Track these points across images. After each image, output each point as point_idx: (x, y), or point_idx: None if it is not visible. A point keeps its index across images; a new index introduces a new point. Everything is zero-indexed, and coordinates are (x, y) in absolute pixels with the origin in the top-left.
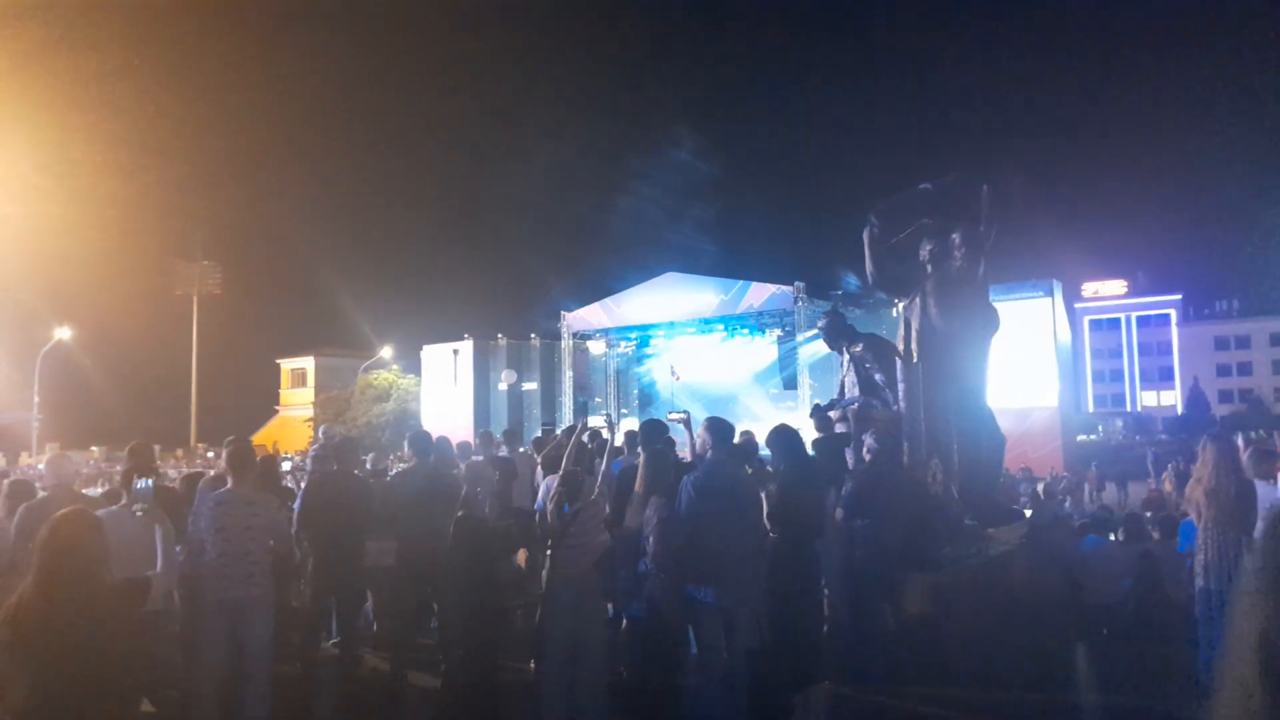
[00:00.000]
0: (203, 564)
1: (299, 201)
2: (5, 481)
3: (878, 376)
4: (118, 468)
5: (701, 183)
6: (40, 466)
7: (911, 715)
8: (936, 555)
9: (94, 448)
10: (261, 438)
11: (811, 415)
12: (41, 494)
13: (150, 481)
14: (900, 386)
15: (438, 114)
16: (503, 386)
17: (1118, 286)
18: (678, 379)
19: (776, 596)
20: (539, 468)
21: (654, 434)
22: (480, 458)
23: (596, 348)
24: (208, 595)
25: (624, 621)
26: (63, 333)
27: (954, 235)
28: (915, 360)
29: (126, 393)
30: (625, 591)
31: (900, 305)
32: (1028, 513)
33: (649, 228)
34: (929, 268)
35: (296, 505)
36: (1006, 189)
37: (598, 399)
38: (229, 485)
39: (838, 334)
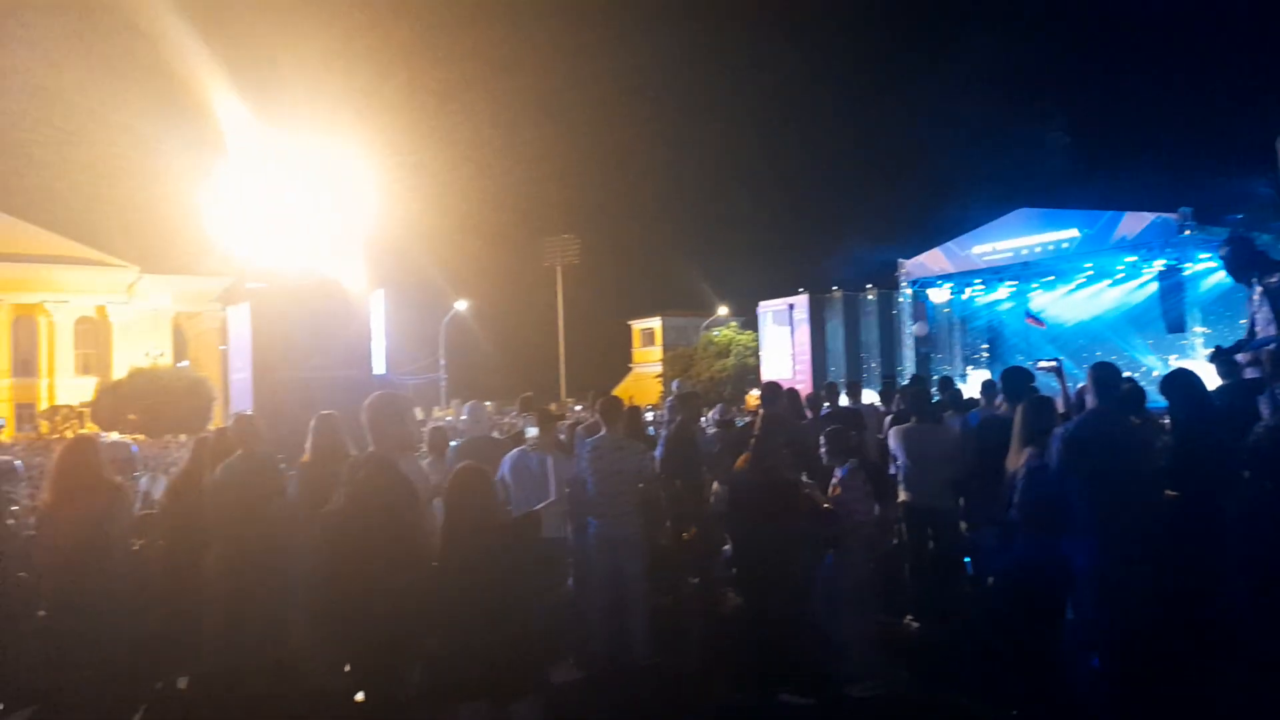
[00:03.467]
0: (584, 501)
1: (644, 177)
2: (425, 429)
3: None
4: (508, 419)
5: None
6: (448, 418)
7: None
8: None
9: (487, 402)
10: (618, 393)
11: (1212, 359)
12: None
13: (535, 432)
14: None
15: (767, 73)
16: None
17: None
18: (1040, 325)
19: (1173, 563)
20: (887, 419)
21: (1018, 383)
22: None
23: (938, 295)
24: (589, 530)
25: (989, 579)
26: (460, 305)
27: None
28: None
29: (508, 354)
30: (989, 549)
31: None
32: None
33: (994, 161)
34: None
35: (658, 452)
36: None
37: (939, 355)
38: (602, 433)
39: (1246, 263)
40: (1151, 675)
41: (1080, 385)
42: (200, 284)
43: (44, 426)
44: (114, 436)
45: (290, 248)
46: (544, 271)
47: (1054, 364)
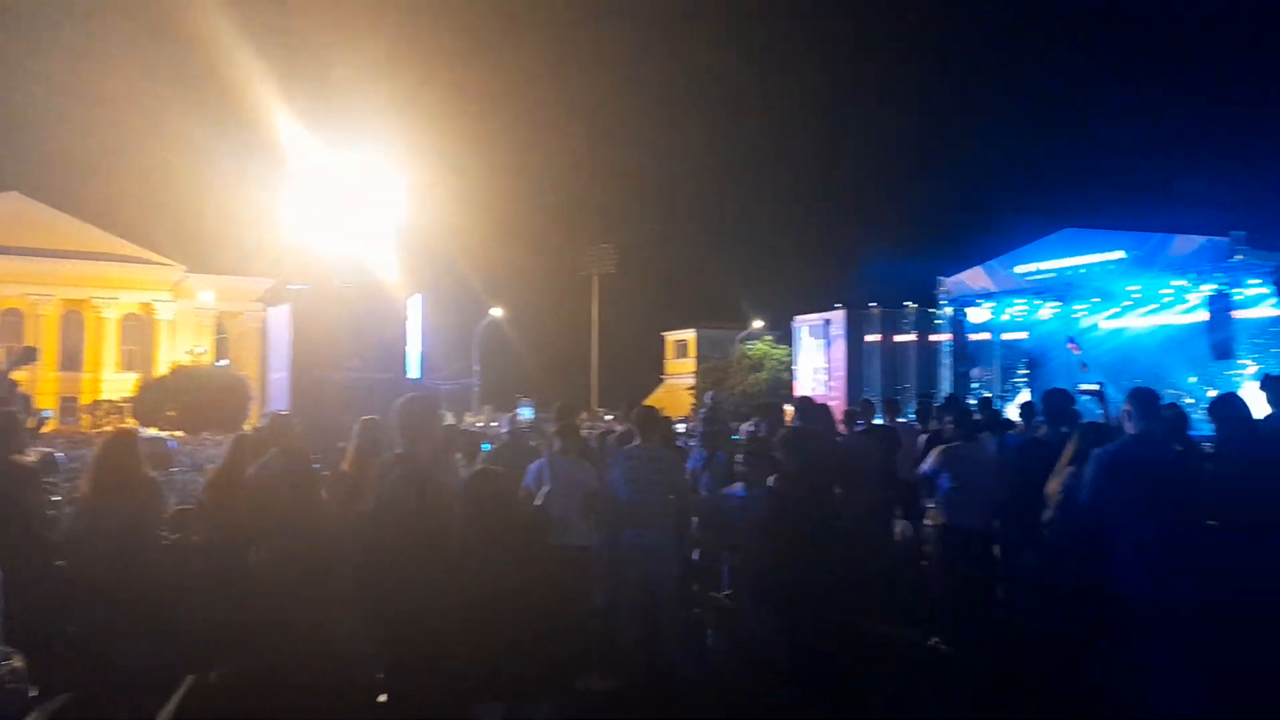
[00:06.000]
0: (618, 508)
1: (682, 187)
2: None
3: None
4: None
5: (1106, 120)
6: (479, 424)
7: None
8: None
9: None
10: (650, 403)
11: (1263, 386)
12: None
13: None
14: None
15: (809, 86)
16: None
17: None
18: (1077, 351)
19: (1217, 599)
20: (921, 436)
21: (1059, 406)
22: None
23: (978, 314)
24: (622, 538)
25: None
26: (495, 312)
27: None
28: None
29: (542, 362)
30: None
31: None
32: None
33: (1040, 180)
34: None
35: (690, 465)
36: None
37: (976, 371)
38: (636, 442)
39: None
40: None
41: (1123, 409)
42: (244, 284)
43: (86, 420)
44: (152, 432)
45: (332, 251)
46: (580, 280)
47: (1096, 387)
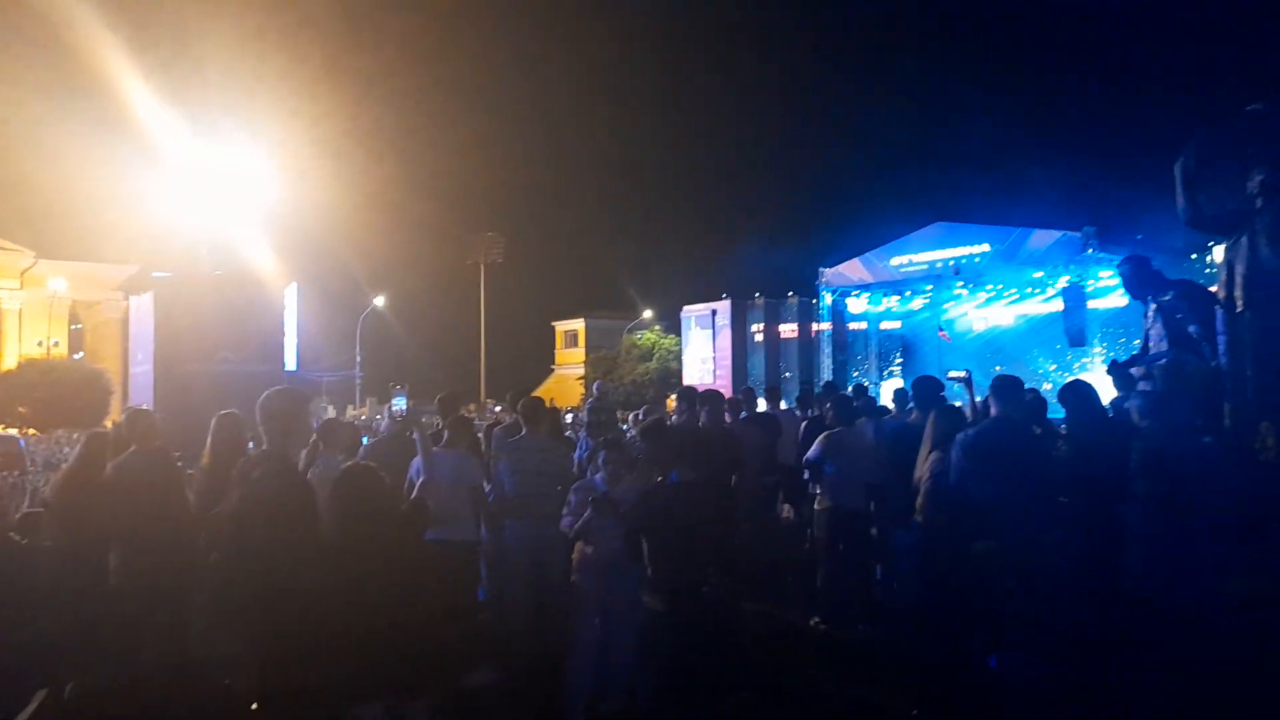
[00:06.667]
0: (504, 501)
1: (572, 177)
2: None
3: (1191, 328)
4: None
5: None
6: (363, 416)
7: (1230, 700)
8: (1269, 529)
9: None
10: (539, 394)
11: (1110, 372)
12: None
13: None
14: (1220, 339)
15: (687, 80)
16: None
17: None
18: (947, 339)
19: (1069, 568)
20: (803, 424)
21: (929, 392)
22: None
23: (856, 305)
24: (508, 531)
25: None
26: (379, 301)
27: None
28: (1241, 309)
29: (427, 353)
30: (899, 551)
31: (1220, 247)
32: None
33: (913, 176)
34: (1259, 202)
35: (577, 455)
36: None
37: (858, 357)
38: (524, 433)
39: (1142, 281)
40: (1055, 674)
41: (987, 395)
42: (102, 271)
43: None
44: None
45: (199, 237)
46: (467, 269)
47: (964, 374)
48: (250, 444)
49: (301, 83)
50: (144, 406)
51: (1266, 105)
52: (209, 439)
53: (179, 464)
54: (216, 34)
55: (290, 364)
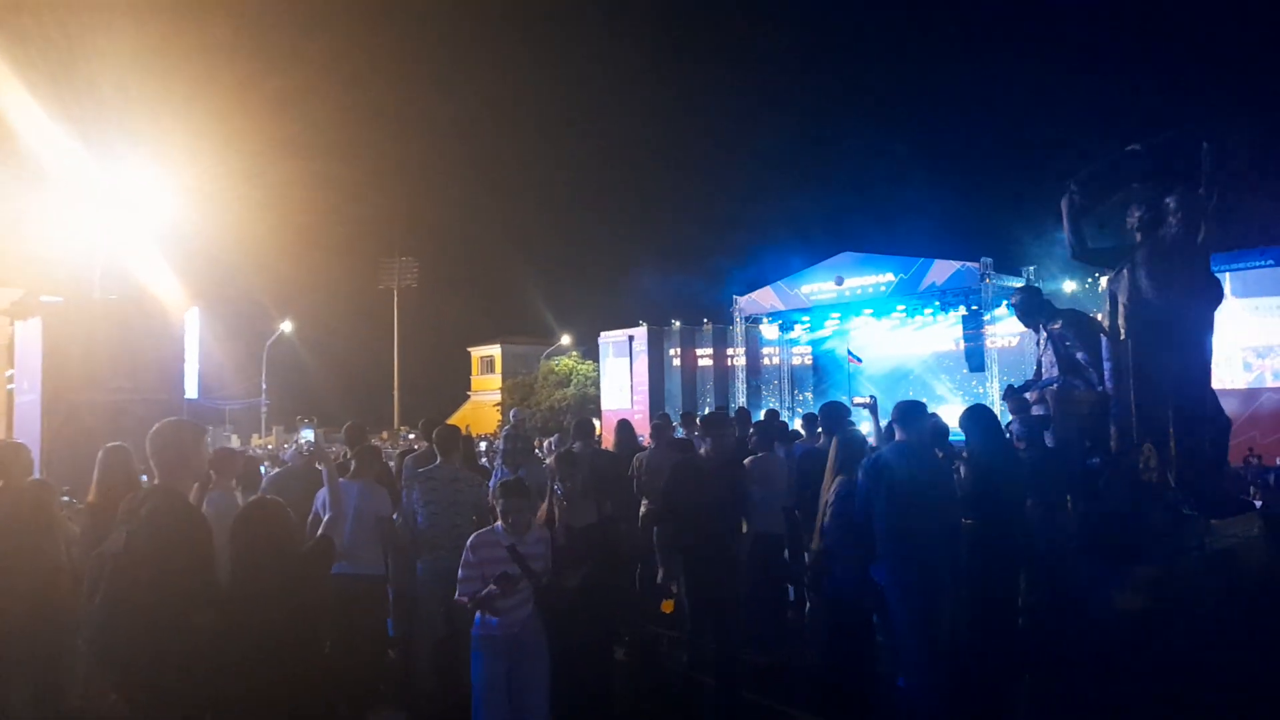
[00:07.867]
0: (416, 532)
1: (485, 200)
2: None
3: (1079, 355)
4: (334, 447)
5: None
6: (269, 446)
7: (1121, 710)
8: (1150, 547)
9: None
10: (455, 421)
11: (1005, 397)
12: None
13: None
14: (1106, 365)
15: (602, 105)
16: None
17: None
18: (857, 363)
19: (971, 584)
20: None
21: (836, 416)
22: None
23: (770, 331)
24: (421, 563)
25: (807, 605)
26: (285, 326)
27: (1168, 199)
28: (1123, 337)
29: (338, 379)
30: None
31: (1105, 279)
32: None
33: (822, 208)
34: (1139, 236)
35: (492, 484)
36: (1232, 145)
37: (772, 383)
38: (437, 463)
39: (1034, 310)
40: (957, 692)
41: (891, 419)
42: None
43: None
44: None
45: (91, 261)
46: (379, 294)
47: (869, 400)
48: (144, 477)
49: (210, 102)
50: (20, 441)
51: (1143, 146)
52: (95, 472)
53: (66, 499)
54: (113, 50)
55: (191, 391)
